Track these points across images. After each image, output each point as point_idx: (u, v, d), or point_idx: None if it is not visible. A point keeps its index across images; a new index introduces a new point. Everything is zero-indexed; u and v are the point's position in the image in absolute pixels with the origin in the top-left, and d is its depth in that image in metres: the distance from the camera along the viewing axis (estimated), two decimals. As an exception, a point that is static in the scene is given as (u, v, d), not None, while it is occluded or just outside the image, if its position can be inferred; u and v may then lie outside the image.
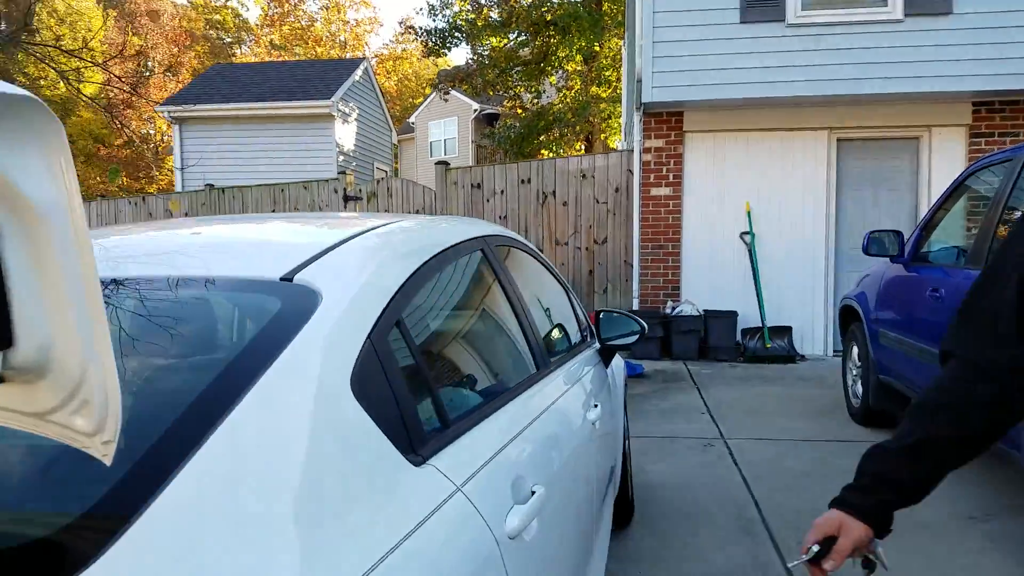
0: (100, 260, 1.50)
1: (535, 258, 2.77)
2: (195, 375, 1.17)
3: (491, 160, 20.99)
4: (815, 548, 1.30)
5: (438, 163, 10.06)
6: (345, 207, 10.41)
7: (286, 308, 1.27)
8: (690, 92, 8.07)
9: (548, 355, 2.25)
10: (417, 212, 10.08)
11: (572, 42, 17.35)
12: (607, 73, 18.43)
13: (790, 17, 7.86)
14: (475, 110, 24.50)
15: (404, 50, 35.63)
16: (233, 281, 1.37)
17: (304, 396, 1.11)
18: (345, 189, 10.46)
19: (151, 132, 28.49)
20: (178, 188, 16.50)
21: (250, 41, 36.46)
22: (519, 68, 19.51)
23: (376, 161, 19.64)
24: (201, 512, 0.90)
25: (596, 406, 2.43)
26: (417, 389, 1.43)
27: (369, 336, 1.28)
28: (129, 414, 1.10)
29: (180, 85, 23.01)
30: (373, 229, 1.72)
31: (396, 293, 1.44)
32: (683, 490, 4.16)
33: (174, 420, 1.03)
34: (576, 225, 9.50)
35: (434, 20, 21.14)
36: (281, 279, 1.33)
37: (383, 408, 1.23)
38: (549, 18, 17.70)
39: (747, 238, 8.49)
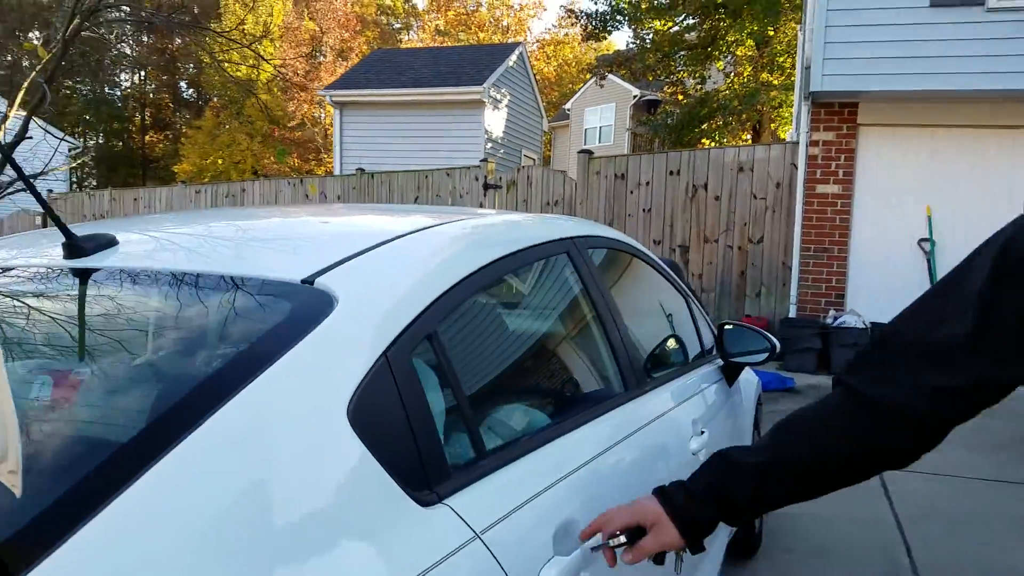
0: (143, 248, 1.46)
1: (646, 262, 2.50)
2: (165, 386, 1.09)
3: (647, 149, 20.27)
4: (622, 539, 1.23)
5: (580, 152, 9.65)
6: (484, 195, 10.22)
7: (291, 316, 1.15)
8: (866, 82, 7.23)
9: (646, 373, 2.03)
10: (556, 203, 9.74)
11: (743, 26, 16.32)
12: (781, 59, 17.18)
13: (991, 1, 6.81)
14: (634, 96, 23.83)
15: (566, 34, 35.28)
16: (251, 281, 1.25)
17: (280, 421, 0.99)
18: (485, 177, 10.27)
19: (320, 116, 29.94)
20: (336, 171, 17.12)
21: (417, 27, 37.47)
22: (683, 52, 18.66)
23: (524, 148, 19.50)
24: (131, 546, 0.81)
25: (703, 432, 2.14)
26: (447, 414, 1.28)
27: (386, 352, 1.14)
28: (86, 424, 1.07)
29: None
30: (432, 227, 1.56)
31: (433, 303, 1.28)
32: (822, 523, 3.70)
33: (124, 440, 0.94)
34: (728, 222, 8.79)
35: (595, 2, 20.60)
36: (302, 281, 1.21)
37: (391, 435, 1.09)
38: (719, 1, 16.71)
39: (926, 246, 7.54)
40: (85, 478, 0.89)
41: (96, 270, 1.34)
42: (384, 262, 1.34)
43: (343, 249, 1.33)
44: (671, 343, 2.56)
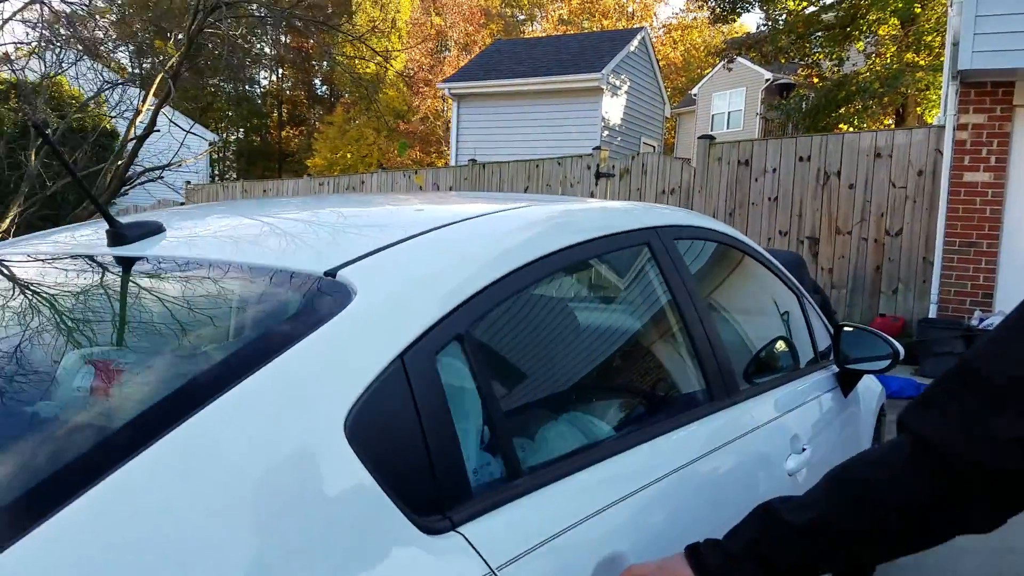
0: (187, 236, 1.45)
1: (751, 256, 2.29)
2: (154, 381, 1.02)
3: (780, 135, 19.29)
4: None
5: (701, 137, 9.18)
6: (596, 184, 9.94)
7: (302, 311, 1.06)
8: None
9: (739, 381, 1.83)
10: (672, 191, 9.35)
11: (887, 3, 15.12)
12: (928, 38, 15.82)
13: None
14: (766, 80, 22.80)
15: (694, 19, 34.16)
16: (274, 272, 1.19)
17: (261, 434, 0.88)
18: (598, 165, 9.98)
19: (444, 109, 30.42)
20: (452, 162, 17.32)
21: (541, 17, 37.35)
22: (820, 33, 17.56)
23: (644, 135, 19.01)
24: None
25: (804, 450, 1.92)
26: (478, 426, 1.17)
27: (403, 354, 1.02)
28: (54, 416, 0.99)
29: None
30: (483, 215, 1.46)
31: (469, 300, 1.16)
32: (951, 552, 3.27)
33: (96, 441, 0.88)
34: (864, 212, 8.13)
35: (724, -17, 19.74)
36: (325, 273, 1.12)
37: (399, 450, 0.98)
38: (862, -22, 15.60)
39: (1096, 240, 6.63)
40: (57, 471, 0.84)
41: (132, 258, 1.34)
42: (418, 253, 1.23)
43: (380, 239, 1.24)
44: (774, 347, 2.34)
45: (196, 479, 0.82)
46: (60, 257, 1.46)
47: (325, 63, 34.20)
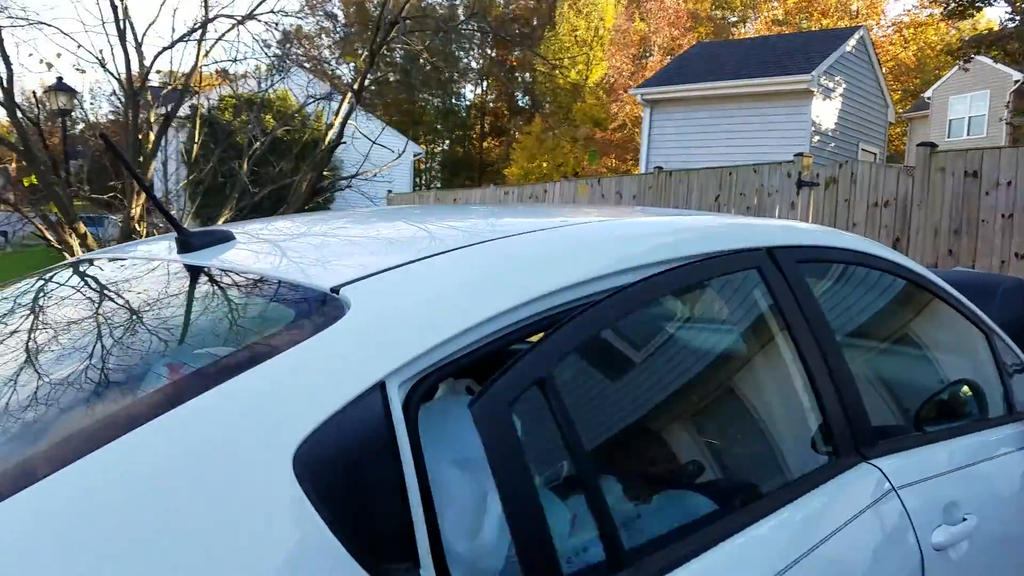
0: (245, 247, 1.43)
1: (917, 283, 1.95)
2: (100, 392, 1.00)
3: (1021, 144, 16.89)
4: None
5: (920, 144, 8.09)
6: (798, 194, 9.05)
7: (286, 329, 1.02)
8: None
9: (876, 434, 1.58)
10: (887, 204, 8.30)
11: None
12: None
13: None
14: (1015, 81, 20.26)
15: (929, 15, 30.93)
16: (286, 286, 1.17)
17: (198, 460, 0.81)
18: (800, 173, 9.07)
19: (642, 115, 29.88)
20: (642, 170, 16.85)
21: (754, 19, 35.58)
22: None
23: (862, 142, 17.35)
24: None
25: (964, 519, 1.65)
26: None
27: (385, 379, 0.93)
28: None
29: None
30: (532, 232, 1.33)
31: (481, 324, 1.04)
32: None
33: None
34: None
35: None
36: (331, 290, 1.07)
37: (366, 489, 0.88)
38: None
39: None
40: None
41: (190, 265, 1.39)
42: (433, 273, 1.14)
43: (409, 254, 1.18)
44: (937, 395, 1.98)
45: (106, 505, 0.76)
46: (128, 260, 1.53)
47: (527, 75, 34.97)
